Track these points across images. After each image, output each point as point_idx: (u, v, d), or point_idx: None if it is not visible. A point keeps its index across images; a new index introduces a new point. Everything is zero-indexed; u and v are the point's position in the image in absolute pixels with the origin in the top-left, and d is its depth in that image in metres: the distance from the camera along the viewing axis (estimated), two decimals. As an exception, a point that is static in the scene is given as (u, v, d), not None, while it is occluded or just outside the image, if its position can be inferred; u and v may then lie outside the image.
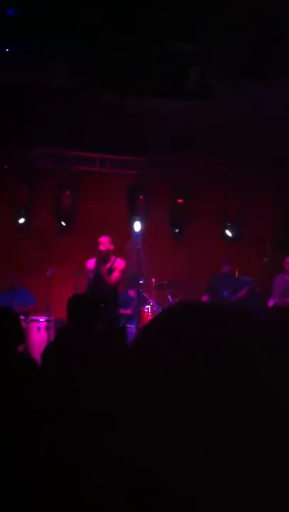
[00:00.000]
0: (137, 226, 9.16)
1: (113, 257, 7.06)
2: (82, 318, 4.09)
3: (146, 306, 8.11)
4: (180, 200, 9.34)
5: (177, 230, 9.58)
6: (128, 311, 8.19)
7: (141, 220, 9.17)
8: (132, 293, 8.48)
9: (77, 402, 1.40)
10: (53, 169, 9.24)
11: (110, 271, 6.96)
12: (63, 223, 9.36)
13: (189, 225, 9.47)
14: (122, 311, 8.19)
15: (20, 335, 3.57)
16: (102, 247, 6.96)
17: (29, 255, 8.89)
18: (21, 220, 9.29)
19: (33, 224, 9.30)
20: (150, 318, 7.58)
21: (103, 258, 6.94)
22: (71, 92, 7.49)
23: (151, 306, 8.05)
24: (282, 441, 1.16)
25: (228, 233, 9.64)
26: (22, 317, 7.92)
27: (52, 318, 7.98)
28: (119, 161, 9.42)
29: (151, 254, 8.74)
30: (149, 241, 8.81)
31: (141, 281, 8.12)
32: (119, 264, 7.03)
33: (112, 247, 7.04)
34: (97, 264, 6.92)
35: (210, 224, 9.40)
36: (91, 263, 7.03)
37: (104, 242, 7.00)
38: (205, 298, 8.18)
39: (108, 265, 6.99)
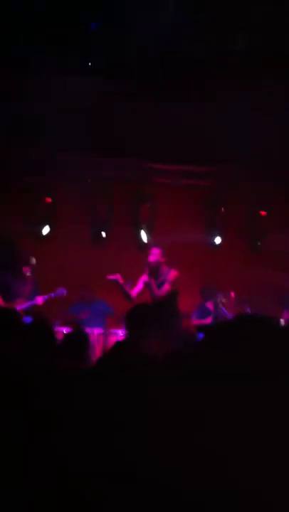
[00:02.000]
0: (217, 240, 8.98)
1: (166, 269, 6.84)
2: (135, 329, 3.99)
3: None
4: (263, 213, 9.02)
5: (258, 243, 9.30)
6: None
7: (219, 233, 8.96)
8: (209, 305, 8.27)
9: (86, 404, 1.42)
10: (133, 181, 9.25)
11: (162, 284, 6.76)
12: (144, 235, 9.30)
13: (268, 236, 9.13)
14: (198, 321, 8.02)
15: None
16: (151, 258, 6.79)
17: (107, 267, 8.92)
18: (102, 233, 9.37)
19: (110, 236, 9.33)
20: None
21: (153, 270, 6.74)
22: (148, 104, 7.47)
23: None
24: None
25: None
26: (100, 331, 7.97)
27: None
28: (196, 172, 9.28)
29: (230, 268, 8.51)
30: (227, 254, 8.59)
31: (220, 295, 7.92)
32: (171, 275, 6.78)
33: (163, 260, 6.83)
34: (148, 276, 6.75)
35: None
36: (146, 276, 6.88)
37: (155, 254, 6.84)
38: (286, 314, 7.81)
39: (160, 278, 6.80)
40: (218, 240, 9.14)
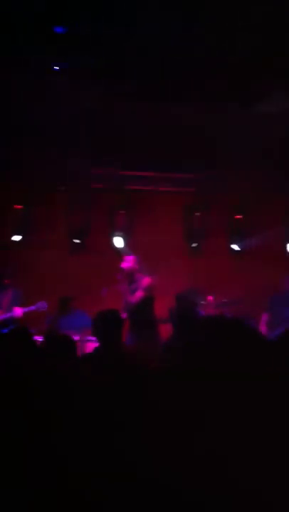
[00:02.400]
0: (196, 244, 9.02)
1: (140, 276, 6.90)
2: (103, 336, 3.98)
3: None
4: (238, 216, 9.12)
5: (237, 247, 9.36)
6: None
7: (198, 238, 9.00)
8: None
9: (87, 404, 1.44)
10: (109, 189, 9.24)
11: (135, 290, 6.81)
12: (120, 243, 9.27)
13: (249, 241, 9.22)
14: None
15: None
16: (124, 265, 6.85)
17: (85, 276, 8.84)
18: (77, 241, 9.29)
19: (88, 245, 9.25)
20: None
21: (127, 277, 6.78)
22: (125, 112, 7.48)
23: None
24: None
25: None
26: (77, 337, 7.85)
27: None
28: (174, 178, 9.33)
29: (209, 273, 8.54)
30: (207, 258, 8.62)
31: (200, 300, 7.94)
32: (144, 282, 6.84)
33: (136, 267, 6.91)
34: (123, 284, 6.84)
35: (270, 240, 9.14)
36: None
37: (128, 260, 6.93)
38: (265, 317, 7.87)
39: (134, 285, 6.84)
40: (197, 245, 9.19)
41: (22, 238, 9.20)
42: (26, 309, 7.63)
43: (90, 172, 9.17)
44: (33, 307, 7.65)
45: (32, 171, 8.72)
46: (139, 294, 6.76)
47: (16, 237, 9.20)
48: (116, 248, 9.23)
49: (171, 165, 8.90)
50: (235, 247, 9.35)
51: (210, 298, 8.04)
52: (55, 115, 7.26)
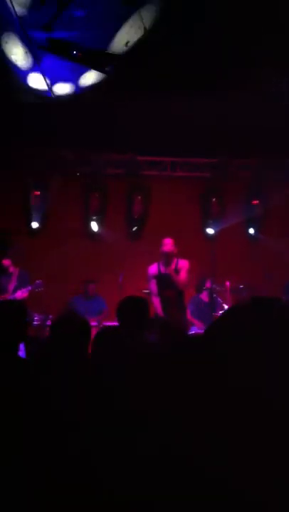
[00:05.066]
0: (211, 230, 9.00)
1: (175, 259, 7.00)
2: (131, 323, 3.83)
3: (221, 312, 7.87)
4: (255, 202, 9.07)
5: (253, 232, 9.33)
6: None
7: (215, 223, 8.99)
8: (204, 297, 8.26)
9: (111, 403, 1.48)
10: (124, 175, 9.22)
11: (176, 272, 6.91)
12: (135, 229, 9.30)
13: (265, 226, 9.18)
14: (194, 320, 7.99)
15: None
16: (169, 248, 6.90)
17: (102, 261, 8.89)
18: (93, 227, 9.33)
19: (104, 230, 9.29)
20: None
21: (168, 260, 6.82)
22: (140, 97, 7.41)
23: (226, 311, 7.78)
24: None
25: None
26: (95, 323, 7.94)
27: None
28: (190, 163, 9.29)
29: (226, 258, 8.53)
30: (224, 244, 8.59)
31: (214, 286, 7.94)
32: (184, 264, 6.99)
33: (175, 250, 6.95)
34: (164, 266, 6.91)
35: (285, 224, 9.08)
36: (153, 268, 7.03)
37: (170, 244, 6.96)
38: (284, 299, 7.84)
39: (172, 267, 6.91)
40: (214, 230, 9.17)
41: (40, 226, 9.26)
42: (25, 290, 7.71)
43: (106, 158, 9.16)
44: (30, 287, 7.74)
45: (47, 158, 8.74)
46: (184, 275, 6.93)
47: (34, 224, 9.25)
48: (133, 233, 9.28)
49: (187, 150, 8.85)
50: (251, 232, 9.32)
51: (227, 283, 8.03)
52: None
